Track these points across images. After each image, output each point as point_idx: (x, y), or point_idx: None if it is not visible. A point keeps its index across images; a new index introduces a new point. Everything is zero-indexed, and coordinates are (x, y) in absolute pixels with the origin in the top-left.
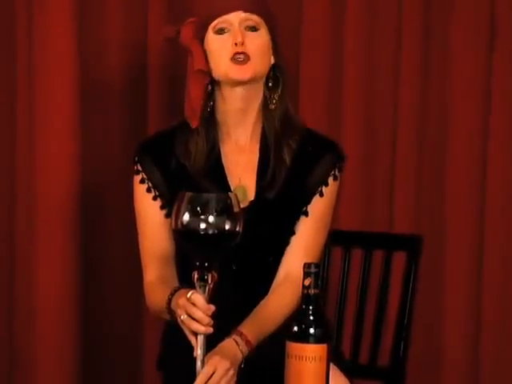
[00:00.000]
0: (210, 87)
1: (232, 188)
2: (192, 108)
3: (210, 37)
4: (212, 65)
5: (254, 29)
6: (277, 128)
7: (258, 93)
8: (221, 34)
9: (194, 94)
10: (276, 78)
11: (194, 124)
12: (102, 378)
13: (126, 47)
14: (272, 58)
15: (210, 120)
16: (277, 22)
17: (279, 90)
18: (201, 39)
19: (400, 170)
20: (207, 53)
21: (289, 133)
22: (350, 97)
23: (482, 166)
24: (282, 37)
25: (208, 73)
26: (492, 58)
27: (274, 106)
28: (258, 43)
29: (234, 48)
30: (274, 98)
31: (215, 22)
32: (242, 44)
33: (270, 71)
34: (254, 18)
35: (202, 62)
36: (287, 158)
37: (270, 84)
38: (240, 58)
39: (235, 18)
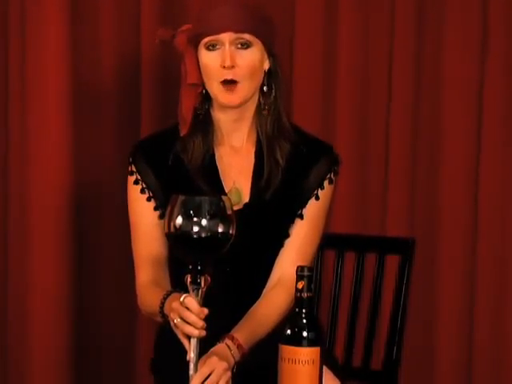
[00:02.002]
0: (204, 91)
1: (226, 190)
2: (183, 117)
3: (202, 52)
4: (204, 79)
5: (246, 46)
6: (269, 131)
7: (252, 102)
8: (212, 50)
9: (186, 104)
10: (270, 83)
11: (183, 132)
12: (95, 380)
13: (119, 49)
14: (266, 63)
15: (207, 120)
16: (272, 27)
17: (272, 97)
18: (195, 46)
19: (393, 173)
20: (200, 64)
21: (281, 135)
22: (344, 100)
23: (474, 168)
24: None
25: (201, 84)
26: (485, 59)
27: (267, 112)
28: (249, 61)
29: (223, 72)
30: (267, 103)
31: (206, 39)
32: (232, 67)
33: (264, 77)
34: (245, 36)
35: (194, 75)
36: (281, 159)
37: (265, 89)
38: (228, 83)
39: (226, 37)
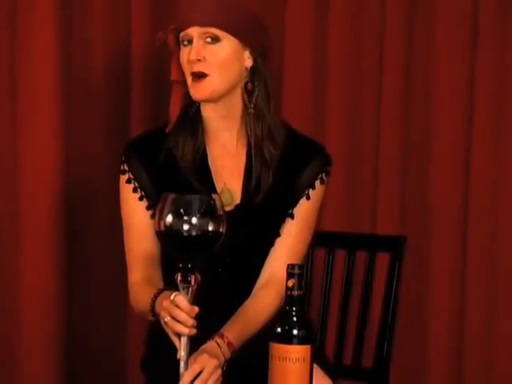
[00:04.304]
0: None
1: (218, 191)
2: (169, 114)
3: (181, 48)
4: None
5: (214, 40)
6: (257, 132)
7: (236, 99)
8: (186, 45)
9: (172, 101)
10: (253, 81)
11: (168, 128)
12: (86, 378)
13: (109, 48)
14: (249, 61)
15: (196, 119)
16: (252, 24)
17: (256, 94)
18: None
19: (384, 171)
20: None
21: (270, 136)
22: (334, 99)
23: (465, 166)
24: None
25: (184, 82)
26: (475, 55)
27: (252, 110)
28: (218, 56)
29: (191, 65)
30: (251, 101)
31: (181, 34)
32: (199, 60)
33: (248, 74)
34: (212, 30)
35: (175, 71)
36: (270, 162)
37: (249, 88)
38: (197, 76)
39: (194, 32)
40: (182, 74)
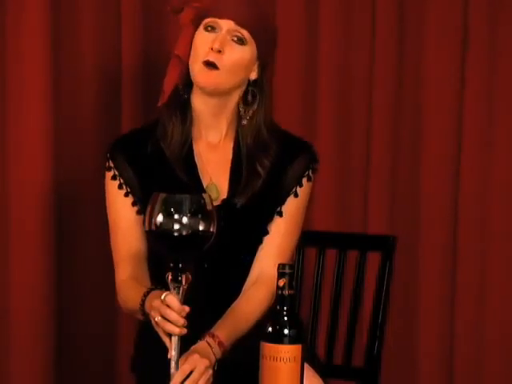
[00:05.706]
0: (187, 74)
1: (204, 185)
2: (163, 87)
3: (200, 31)
4: (190, 59)
5: (240, 41)
6: (249, 144)
7: (229, 103)
8: (209, 31)
9: (169, 75)
10: (254, 94)
11: (160, 102)
12: (76, 379)
13: (99, 48)
14: (254, 73)
15: (187, 109)
16: (273, 40)
17: (255, 106)
18: (196, 26)
19: (374, 171)
20: (192, 43)
21: (264, 150)
22: (325, 99)
23: (455, 166)
24: None
25: (185, 62)
26: (465, 58)
27: (246, 122)
28: (236, 57)
29: (209, 53)
30: (247, 113)
31: (208, 19)
32: (219, 52)
33: (248, 86)
34: (244, 33)
35: (182, 48)
36: (261, 171)
37: (249, 99)
38: (210, 65)
39: (225, 24)
40: (187, 52)
